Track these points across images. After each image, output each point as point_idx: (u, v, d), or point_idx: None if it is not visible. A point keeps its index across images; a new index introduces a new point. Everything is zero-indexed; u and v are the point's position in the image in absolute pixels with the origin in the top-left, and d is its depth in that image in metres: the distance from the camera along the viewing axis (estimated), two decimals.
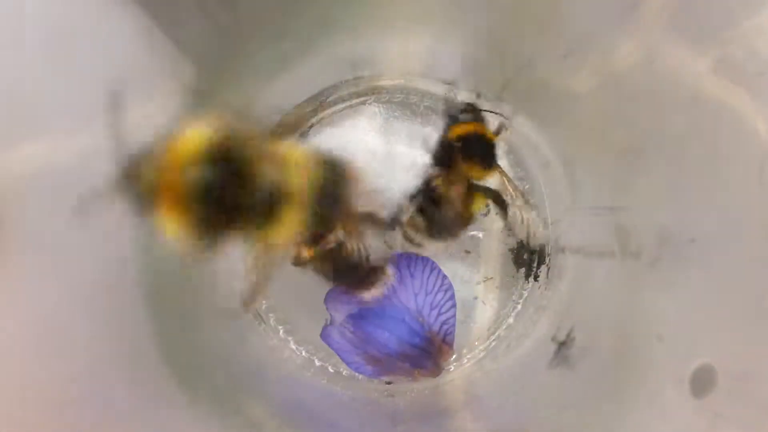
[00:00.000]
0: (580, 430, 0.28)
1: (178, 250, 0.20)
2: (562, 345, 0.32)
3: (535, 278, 0.38)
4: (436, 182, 0.33)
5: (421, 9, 0.31)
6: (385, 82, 0.38)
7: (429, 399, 0.36)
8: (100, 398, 0.22)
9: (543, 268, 0.38)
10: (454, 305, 0.36)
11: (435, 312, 0.36)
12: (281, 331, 0.37)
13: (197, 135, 0.20)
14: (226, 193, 0.20)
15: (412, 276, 0.36)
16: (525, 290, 0.38)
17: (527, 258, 0.38)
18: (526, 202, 0.34)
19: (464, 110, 0.34)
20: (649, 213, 0.28)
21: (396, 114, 0.39)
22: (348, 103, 0.39)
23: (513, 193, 0.34)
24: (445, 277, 0.36)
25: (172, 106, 0.27)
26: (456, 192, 0.32)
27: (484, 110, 0.34)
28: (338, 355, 0.35)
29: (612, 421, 0.26)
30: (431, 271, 0.36)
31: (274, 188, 0.21)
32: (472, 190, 0.33)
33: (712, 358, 0.23)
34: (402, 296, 0.36)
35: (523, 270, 0.38)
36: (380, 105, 0.39)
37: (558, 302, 0.36)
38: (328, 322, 0.35)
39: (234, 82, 0.30)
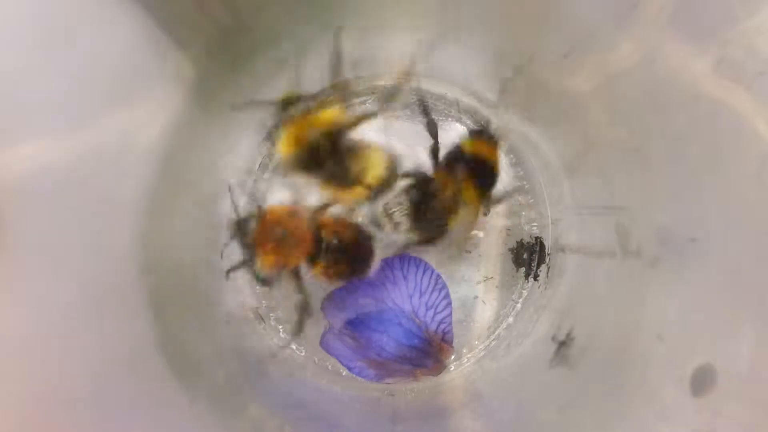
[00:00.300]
0: (580, 429, 0.28)
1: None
2: (562, 344, 0.32)
3: (535, 278, 0.38)
4: (433, 177, 0.33)
5: (421, 9, 0.31)
6: (385, 82, 0.38)
7: (429, 398, 0.36)
8: (100, 398, 0.22)
9: (543, 267, 0.38)
10: (449, 304, 0.36)
11: (431, 312, 0.36)
12: (281, 331, 0.37)
13: (329, 115, 0.31)
14: (327, 153, 0.30)
15: (405, 278, 0.36)
16: (525, 290, 0.38)
17: (527, 257, 0.38)
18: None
19: (486, 132, 0.34)
20: (649, 213, 0.28)
21: (396, 114, 0.39)
22: (348, 104, 0.39)
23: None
24: (438, 276, 0.36)
25: (172, 106, 0.27)
26: (446, 194, 0.33)
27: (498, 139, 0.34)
28: (339, 361, 0.35)
29: (612, 421, 0.26)
30: (424, 271, 0.36)
31: (355, 162, 0.31)
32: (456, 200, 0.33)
33: (712, 358, 0.23)
34: (397, 298, 0.36)
35: (523, 269, 0.38)
36: (380, 106, 0.39)
37: (558, 302, 0.36)
38: (327, 329, 0.35)
39: (234, 82, 0.30)
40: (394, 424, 0.33)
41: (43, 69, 0.21)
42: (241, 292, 0.37)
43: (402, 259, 0.36)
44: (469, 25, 0.31)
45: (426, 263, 0.36)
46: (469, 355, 0.37)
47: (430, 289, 0.36)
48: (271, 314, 0.37)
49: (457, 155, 0.34)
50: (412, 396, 0.36)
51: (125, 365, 0.24)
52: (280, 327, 0.37)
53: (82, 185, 0.23)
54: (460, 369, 0.37)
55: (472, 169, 0.33)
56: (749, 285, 0.23)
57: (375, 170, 0.32)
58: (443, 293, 0.36)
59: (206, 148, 0.32)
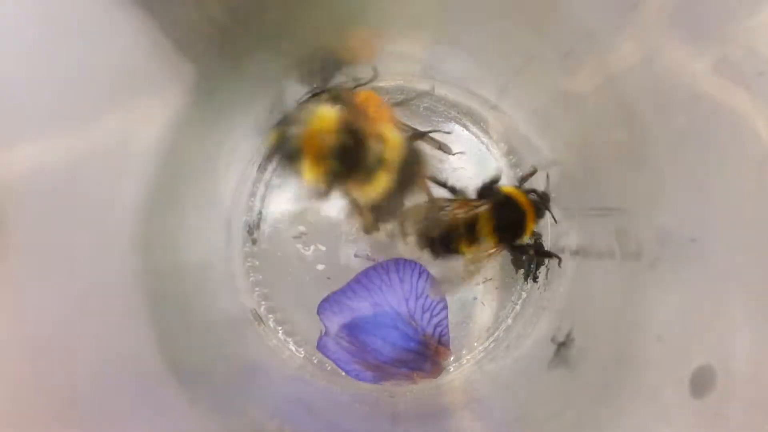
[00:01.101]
0: (580, 430, 0.28)
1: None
2: (562, 346, 0.32)
3: (535, 279, 0.38)
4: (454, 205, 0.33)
5: (420, 9, 0.31)
6: (385, 83, 0.38)
7: (429, 399, 0.36)
8: (100, 398, 0.22)
9: (542, 269, 0.38)
10: (445, 307, 0.36)
11: (427, 315, 0.36)
12: (281, 332, 0.37)
13: (328, 112, 0.29)
14: (348, 153, 0.28)
15: (401, 281, 0.36)
16: (524, 291, 0.38)
17: (526, 259, 0.38)
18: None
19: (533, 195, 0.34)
20: (648, 213, 0.28)
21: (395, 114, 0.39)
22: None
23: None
24: (434, 279, 0.36)
25: (172, 106, 0.27)
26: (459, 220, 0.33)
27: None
28: (336, 364, 0.35)
29: (611, 422, 0.26)
30: (420, 274, 0.36)
31: (376, 155, 0.29)
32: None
33: (712, 359, 0.23)
34: (393, 302, 0.36)
35: (522, 271, 0.38)
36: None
37: (557, 303, 0.36)
38: (323, 333, 0.36)
39: (234, 82, 0.30)
40: (394, 425, 0.33)
41: (44, 69, 0.21)
42: (241, 293, 0.37)
43: (397, 262, 0.36)
44: (468, 26, 0.31)
45: (421, 266, 0.36)
46: (468, 357, 0.37)
47: (426, 292, 0.36)
48: (270, 315, 0.37)
49: (490, 190, 0.34)
50: (411, 397, 0.36)
51: (125, 366, 0.24)
52: (280, 328, 0.37)
53: (82, 185, 0.23)
54: (459, 370, 0.37)
55: (499, 210, 0.33)
56: (749, 286, 0.23)
57: (394, 151, 0.30)
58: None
59: (206, 148, 0.32)
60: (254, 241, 0.38)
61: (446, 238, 0.33)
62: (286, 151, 0.29)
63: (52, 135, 0.22)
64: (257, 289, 0.38)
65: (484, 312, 0.38)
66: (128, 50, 0.24)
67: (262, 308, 0.37)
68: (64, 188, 0.22)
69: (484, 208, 0.33)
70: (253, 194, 0.38)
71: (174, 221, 0.30)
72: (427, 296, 0.36)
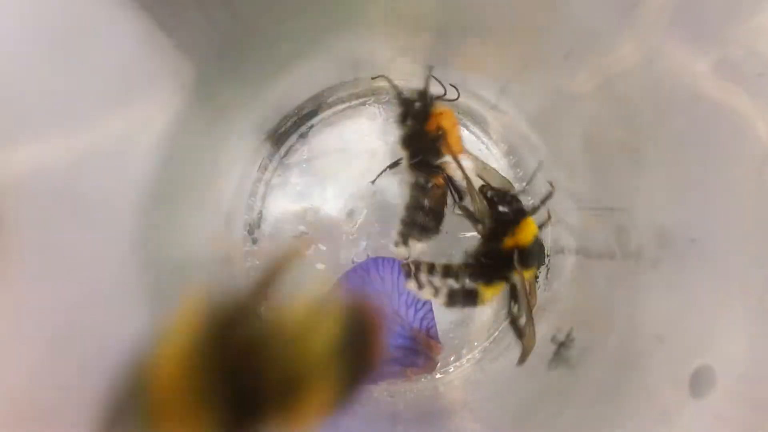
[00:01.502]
0: (579, 430, 0.28)
1: None
2: (562, 345, 0.32)
3: (535, 279, 0.38)
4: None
5: (420, 10, 0.31)
6: (385, 83, 0.38)
7: (428, 399, 0.36)
8: (99, 396, 0.22)
9: (543, 269, 0.38)
10: (428, 301, 0.36)
11: (411, 310, 0.36)
12: None
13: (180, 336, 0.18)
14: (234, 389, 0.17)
15: (382, 279, 0.36)
16: None
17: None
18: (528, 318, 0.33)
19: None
20: (648, 214, 0.28)
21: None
22: (348, 104, 0.39)
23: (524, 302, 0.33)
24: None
25: (172, 106, 0.27)
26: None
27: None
28: None
29: (611, 422, 0.26)
30: (399, 271, 0.36)
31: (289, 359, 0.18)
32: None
33: (712, 359, 0.23)
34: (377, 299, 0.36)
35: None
36: (380, 106, 0.39)
37: (557, 303, 0.36)
38: None
39: (234, 82, 0.30)
40: (394, 425, 0.33)
41: (44, 70, 0.21)
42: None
43: (376, 261, 0.36)
44: (468, 26, 0.31)
45: (400, 263, 0.36)
46: (468, 356, 0.37)
47: (407, 288, 0.36)
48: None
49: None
50: (411, 397, 0.36)
51: (122, 364, 0.24)
52: None
53: (82, 185, 0.23)
54: (459, 370, 0.37)
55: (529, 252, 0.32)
56: (749, 286, 0.23)
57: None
58: None
59: (206, 148, 0.32)
60: (254, 241, 0.38)
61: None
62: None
63: (53, 135, 0.22)
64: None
65: (484, 312, 0.38)
66: (129, 51, 0.24)
67: (262, 309, 0.37)
68: (64, 188, 0.22)
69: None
70: (253, 194, 0.38)
71: (174, 221, 0.30)
72: (408, 292, 0.36)
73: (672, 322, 0.26)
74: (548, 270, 0.38)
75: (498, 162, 0.39)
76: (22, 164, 0.21)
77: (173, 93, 0.26)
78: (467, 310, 0.37)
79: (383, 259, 0.36)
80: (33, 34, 0.21)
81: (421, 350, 0.35)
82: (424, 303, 0.36)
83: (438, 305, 0.35)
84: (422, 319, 0.36)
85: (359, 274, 0.36)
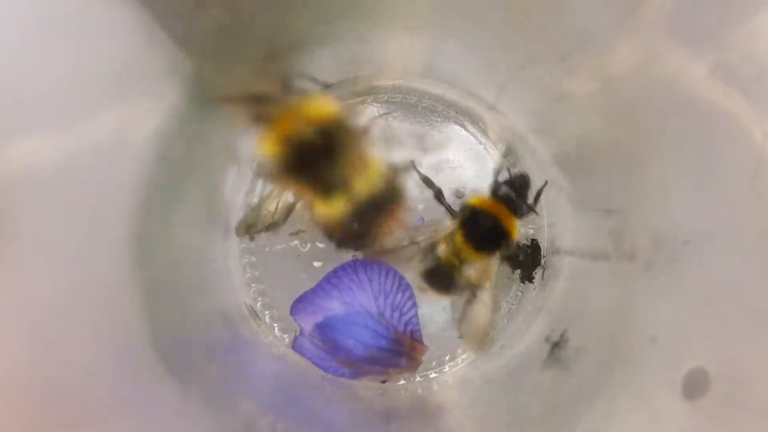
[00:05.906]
0: (572, 430, 0.28)
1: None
2: (556, 346, 0.32)
3: (530, 279, 0.38)
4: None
5: (420, 9, 0.31)
6: (384, 82, 0.38)
7: (422, 398, 0.36)
8: (92, 393, 0.22)
9: (538, 269, 0.38)
10: (414, 304, 0.36)
11: (397, 313, 0.36)
12: (276, 329, 0.37)
13: (326, 105, 0.27)
14: (312, 154, 0.26)
15: (369, 280, 0.36)
16: (520, 291, 0.38)
17: (522, 259, 0.38)
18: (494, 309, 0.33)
19: (504, 187, 0.33)
20: (643, 215, 0.28)
21: (395, 114, 0.39)
22: (347, 103, 0.39)
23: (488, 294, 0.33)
24: (402, 278, 0.36)
25: (169, 102, 0.27)
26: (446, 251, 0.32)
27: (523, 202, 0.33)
28: (314, 363, 0.36)
29: (604, 422, 0.26)
30: (387, 273, 0.36)
31: (341, 174, 0.27)
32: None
33: (705, 361, 0.23)
34: (362, 301, 0.36)
35: (519, 271, 0.38)
36: (378, 105, 0.39)
37: (552, 303, 0.36)
38: (297, 333, 0.36)
39: (231, 79, 0.30)
40: (388, 423, 0.33)
41: (41, 65, 0.21)
42: (237, 289, 0.37)
43: (364, 262, 0.36)
44: (467, 26, 0.31)
45: (388, 266, 0.36)
46: (463, 356, 0.38)
47: (394, 290, 0.36)
48: (266, 312, 0.37)
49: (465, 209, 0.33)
50: (405, 395, 0.36)
51: (119, 362, 0.24)
52: (276, 325, 0.37)
53: (78, 181, 0.23)
54: (454, 369, 0.37)
55: (474, 224, 0.32)
56: (743, 288, 0.23)
57: (369, 177, 0.27)
58: (407, 294, 0.36)
59: (203, 145, 0.32)
60: (251, 238, 0.38)
61: (442, 275, 0.33)
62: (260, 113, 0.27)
63: (49, 131, 0.22)
64: (253, 285, 0.38)
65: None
66: (126, 47, 0.24)
67: (259, 304, 0.37)
68: (60, 184, 0.23)
69: (452, 231, 0.32)
70: (250, 190, 0.38)
71: (170, 217, 0.30)
72: (395, 294, 0.36)
73: (665, 324, 0.26)
74: (543, 271, 0.38)
75: (496, 163, 0.39)
76: (18, 160, 0.21)
77: (171, 89, 0.27)
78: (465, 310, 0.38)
79: (369, 261, 0.36)
80: (31, 30, 0.21)
81: (404, 352, 0.36)
82: (411, 307, 0.36)
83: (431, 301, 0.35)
84: (407, 323, 0.36)
85: (348, 272, 0.36)
